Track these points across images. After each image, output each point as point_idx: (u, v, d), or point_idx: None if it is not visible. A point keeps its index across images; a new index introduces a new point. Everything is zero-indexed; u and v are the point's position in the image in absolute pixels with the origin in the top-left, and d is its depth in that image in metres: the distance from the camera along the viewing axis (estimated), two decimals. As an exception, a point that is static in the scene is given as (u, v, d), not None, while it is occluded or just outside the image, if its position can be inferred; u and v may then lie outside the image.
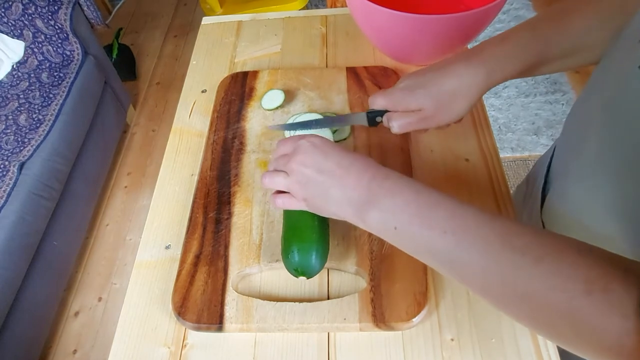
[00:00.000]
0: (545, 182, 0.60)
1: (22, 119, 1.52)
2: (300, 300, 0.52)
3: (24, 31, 1.62)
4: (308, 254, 0.50)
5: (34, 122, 1.51)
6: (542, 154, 0.68)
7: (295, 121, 0.66)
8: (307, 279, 0.51)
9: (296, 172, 0.45)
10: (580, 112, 0.52)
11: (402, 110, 0.52)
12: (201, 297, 0.53)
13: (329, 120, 0.60)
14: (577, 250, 0.33)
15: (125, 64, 2.26)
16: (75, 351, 1.51)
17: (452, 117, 0.52)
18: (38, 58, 1.68)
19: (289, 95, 0.72)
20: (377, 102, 0.54)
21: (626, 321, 0.29)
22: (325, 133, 0.63)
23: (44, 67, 1.68)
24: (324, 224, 0.52)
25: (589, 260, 0.32)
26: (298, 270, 0.50)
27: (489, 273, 0.35)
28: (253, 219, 0.59)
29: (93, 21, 1.77)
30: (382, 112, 0.54)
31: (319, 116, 0.66)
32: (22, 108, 1.55)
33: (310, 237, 0.50)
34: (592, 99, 0.48)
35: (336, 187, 0.43)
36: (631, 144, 0.39)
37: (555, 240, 0.34)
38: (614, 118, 0.42)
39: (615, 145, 0.42)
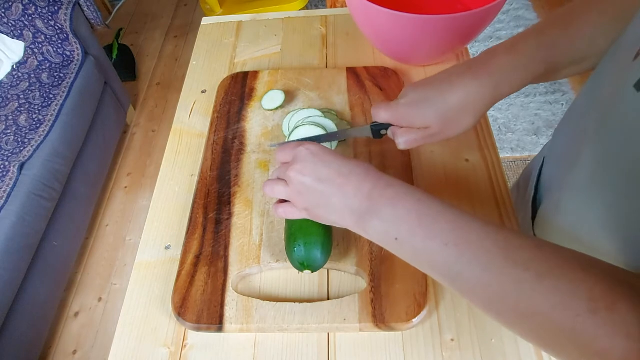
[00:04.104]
0: (536, 192, 0.60)
1: (22, 119, 1.52)
2: (300, 301, 0.52)
3: (24, 32, 1.62)
4: (314, 247, 0.50)
5: (34, 123, 1.51)
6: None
7: (294, 117, 0.66)
8: (312, 272, 0.51)
9: (295, 182, 0.44)
10: (575, 124, 0.51)
11: (407, 126, 0.51)
12: (201, 298, 0.53)
13: (333, 135, 0.60)
14: (581, 265, 0.32)
15: (125, 64, 2.27)
16: (75, 351, 1.51)
17: (458, 132, 0.50)
18: (38, 58, 1.68)
19: (289, 96, 0.72)
20: (381, 116, 0.52)
21: (631, 342, 0.29)
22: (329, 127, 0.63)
23: (44, 67, 1.68)
24: None
25: (593, 277, 0.31)
26: (304, 264, 0.50)
27: (491, 288, 0.35)
28: (253, 220, 0.59)
29: (93, 22, 1.77)
30: (386, 125, 0.53)
31: (318, 112, 0.66)
32: (22, 108, 1.55)
33: (315, 231, 0.51)
34: (587, 113, 0.48)
35: (337, 196, 0.42)
36: (626, 162, 0.38)
37: (558, 254, 0.34)
38: (608, 135, 0.41)
39: (610, 162, 0.41)
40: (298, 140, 0.60)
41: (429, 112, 0.49)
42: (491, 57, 0.48)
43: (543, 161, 0.60)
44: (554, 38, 0.48)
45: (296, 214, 0.47)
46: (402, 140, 0.51)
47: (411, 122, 0.50)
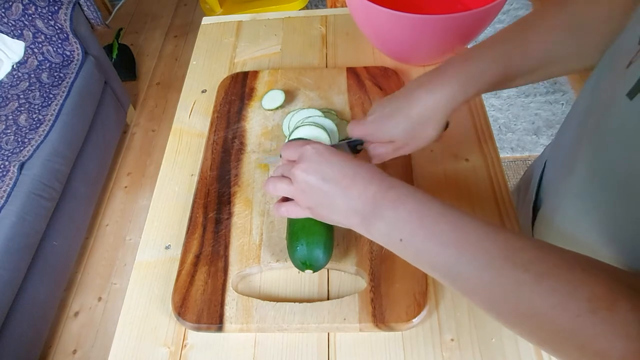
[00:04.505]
0: (537, 195, 0.60)
1: (22, 119, 1.52)
2: (300, 301, 0.52)
3: (24, 31, 1.62)
4: (316, 247, 0.50)
5: (34, 122, 1.51)
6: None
7: (294, 117, 0.66)
8: (313, 272, 0.52)
9: (300, 180, 0.44)
10: (573, 129, 0.51)
11: (376, 141, 0.53)
12: (201, 297, 0.53)
13: None
14: (581, 266, 0.32)
15: (125, 64, 2.26)
16: (75, 351, 1.51)
17: (424, 143, 0.52)
18: (38, 58, 1.68)
19: (289, 96, 0.72)
20: (353, 132, 0.54)
21: (631, 343, 0.28)
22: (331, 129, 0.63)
23: (44, 67, 1.68)
24: None
25: (593, 277, 0.31)
26: (306, 264, 0.51)
27: (491, 288, 0.35)
28: (253, 219, 0.59)
29: (93, 21, 1.77)
30: (360, 141, 0.55)
31: (318, 112, 0.66)
32: (22, 108, 1.55)
33: (317, 231, 0.51)
34: (583, 120, 0.48)
35: (341, 197, 0.42)
36: (621, 169, 0.38)
37: (559, 255, 0.34)
38: (603, 143, 0.41)
39: (605, 168, 0.41)
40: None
41: (393, 127, 0.51)
42: (447, 67, 0.50)
43: (544, 165, 0.60)
44: (508, 50, 0.49)
45: (299, 213, 0.48)
46: (374, 154, 0.54)
47: (378, 137, 0.53)
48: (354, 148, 0.56)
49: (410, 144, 0.52)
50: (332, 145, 0.58)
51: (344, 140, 0.56)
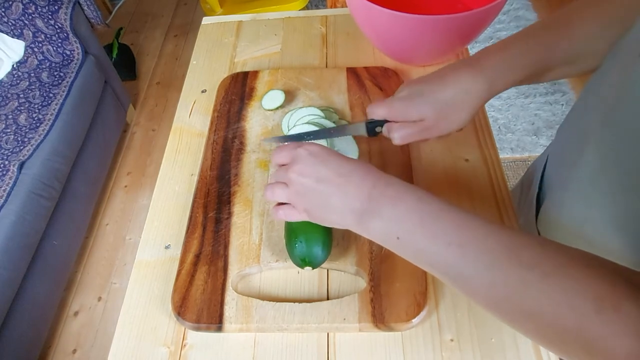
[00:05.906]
0: (540, 190, 0.60)
1: (22, 118, 1.52)
2: (300, 301, 0.52)
3: (24, 31, 1.62)
4: (315, 243, 0.50)
5: (34, 122, 1.51)
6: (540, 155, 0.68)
7: (293, 115, 0.66)
8: (312, 269, 0.52)
9: (295, 183, 0.44)
10: (577, 123, 0.51)
11: (403, 121, 0.51)
12: (201, 297, 0.53)
13: (327, 132, 0.59)
14: (585, 264, 0.32)
15: (125, 63, 2.26)
16: (74, 351, 1.51)
17: (453, 127, 0.51)
18: (38, 58, 1.68)
19: (290, 96, 0.72)
20: (377, 112, 0.52)
21: (637, 341, 0.28)
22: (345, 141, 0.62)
23: (44, 66, 1.67)
24: None
25: (598, 275, 0.31)
26: (305, 260, 0.51)
27: (495, 287, 0.34)
28: (253, 219, 0.59)
29: (93, 21, 1.77)
30: (381, 122, 0.53)
31: (318, 111, 0.66)
32: (22, 107, 1.55)
33: (316, 227, 0.51)
34: (589, 112, 0.48)
35: (337, 196, 0.42)
36: (633, 160, 0.38)
37: (563, 253, 0.34)
38: (614, 133, 0.41)
39: (615, 159, 0.41)
40: (293, 136, 0.60)
41: (424, 105, 0.49)
42: (485, 55, 0.49)
43: (547, 159, 0.60)
44: (547, 39, 0.48)
45: (296, 216, 0.47)
46: (397, 135, 0.52)
47: (406, 116, 0.51)
48: (372, 130, 0.54)
49: (440, 125, 0.50)
50: (348, 126, 0.58)
51: (364, 121, 0.54)
